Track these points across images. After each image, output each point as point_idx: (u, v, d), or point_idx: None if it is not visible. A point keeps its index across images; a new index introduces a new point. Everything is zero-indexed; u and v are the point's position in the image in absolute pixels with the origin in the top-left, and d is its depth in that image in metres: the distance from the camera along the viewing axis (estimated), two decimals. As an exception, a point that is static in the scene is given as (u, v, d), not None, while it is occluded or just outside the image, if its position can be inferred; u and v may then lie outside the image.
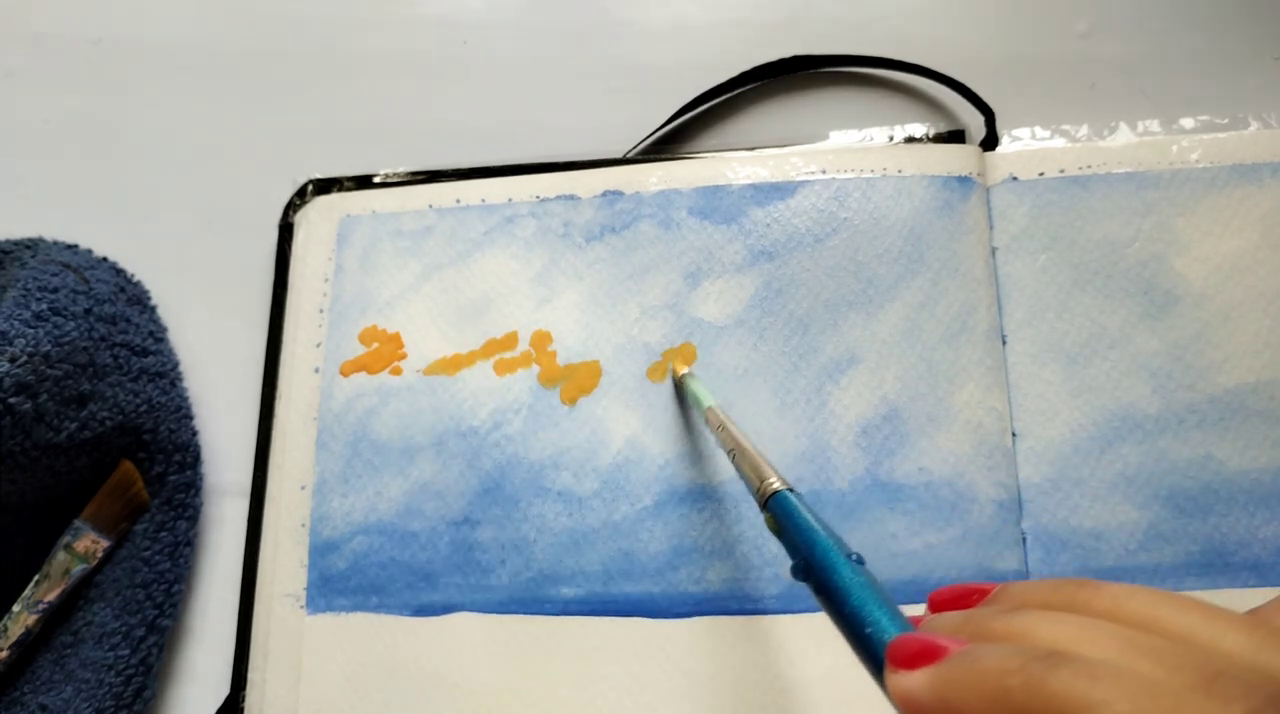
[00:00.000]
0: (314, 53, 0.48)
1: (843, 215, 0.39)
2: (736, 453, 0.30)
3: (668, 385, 0.38)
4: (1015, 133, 0.41)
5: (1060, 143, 0.41)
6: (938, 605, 0.21)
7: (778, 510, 0.25)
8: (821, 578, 0.22)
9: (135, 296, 0.42)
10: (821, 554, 0.22)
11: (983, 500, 0.35)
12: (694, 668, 0.35)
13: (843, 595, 0.21)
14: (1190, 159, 0.38)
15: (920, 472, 0.36)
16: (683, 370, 0.38)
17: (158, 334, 0.42)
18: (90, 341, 0.37)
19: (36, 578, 0.37)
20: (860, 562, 0.22)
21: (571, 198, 0.42)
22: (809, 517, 0.24)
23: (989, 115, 0.41)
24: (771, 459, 0.36)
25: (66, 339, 0.36)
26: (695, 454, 0.37)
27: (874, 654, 0.19)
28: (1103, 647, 0.16)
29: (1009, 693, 0.16)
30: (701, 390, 0.35)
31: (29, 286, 0.37)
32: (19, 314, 0.36)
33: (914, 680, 0.17)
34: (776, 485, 0.26)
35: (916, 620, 0.20)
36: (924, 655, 0.18)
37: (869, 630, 0.19)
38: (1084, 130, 0.41)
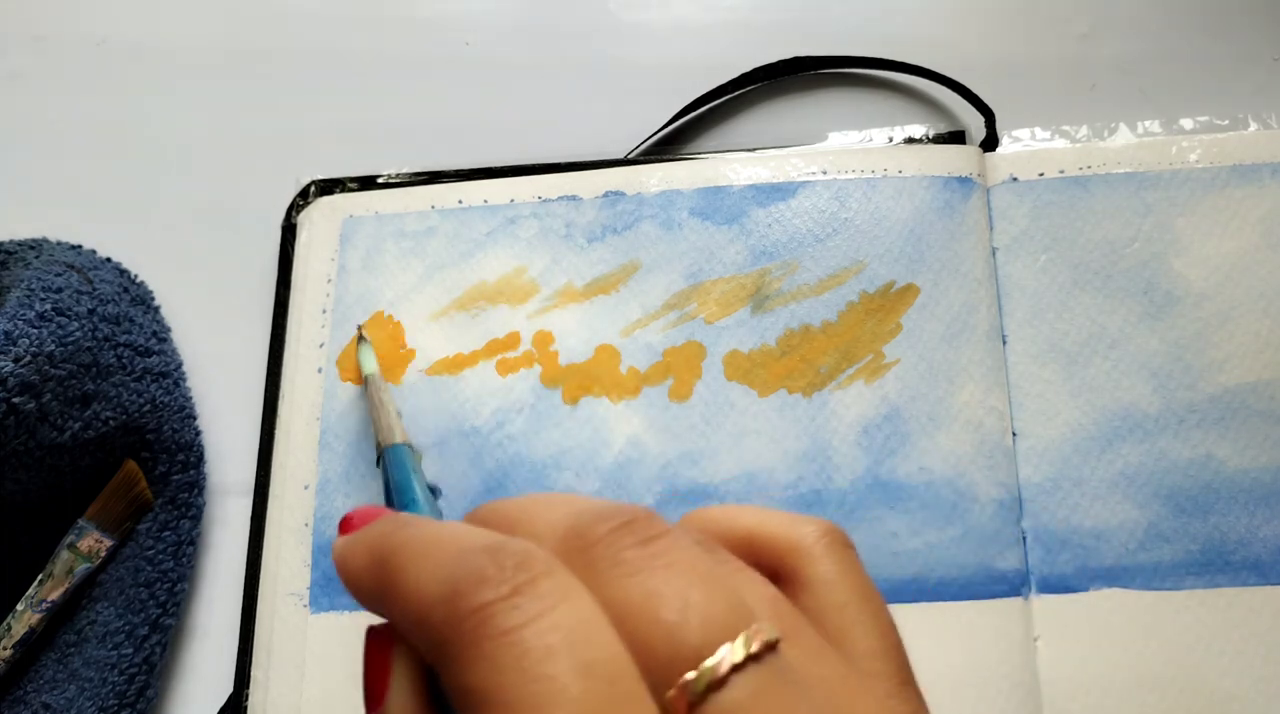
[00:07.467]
0: (317, 54, 0.49)
1: (843, 216, 0.39)
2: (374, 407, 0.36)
3: (665, 387, 0.38)
4: (1015, 133, 0.41)
5: (1060, 143, 0.41)
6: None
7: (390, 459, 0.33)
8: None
9: (139, 297, 0.43)
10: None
11: (983, 500, 0.35)
12: (695, 667, 0.35)
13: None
14: (1190, 159, 0.38)
15: (921, 471, 0.36)
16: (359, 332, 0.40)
17: (161, 334, 0.42)
18: (94, 342, 0.37)
19: (40, 577, 0.37)
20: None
21: (573, 198, 0.42)
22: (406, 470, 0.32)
23: (989, 116, 0.41)
24: (771, 459, 0.37)
25: (70, 339, 0.36)
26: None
27: None
28: None
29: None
30: (368, 356, 0.39)
31: (33, 287, 0.37)
32: (23, 314, 0.36)
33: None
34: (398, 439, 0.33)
35: None
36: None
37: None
38: (1084, 131, 0.41)
